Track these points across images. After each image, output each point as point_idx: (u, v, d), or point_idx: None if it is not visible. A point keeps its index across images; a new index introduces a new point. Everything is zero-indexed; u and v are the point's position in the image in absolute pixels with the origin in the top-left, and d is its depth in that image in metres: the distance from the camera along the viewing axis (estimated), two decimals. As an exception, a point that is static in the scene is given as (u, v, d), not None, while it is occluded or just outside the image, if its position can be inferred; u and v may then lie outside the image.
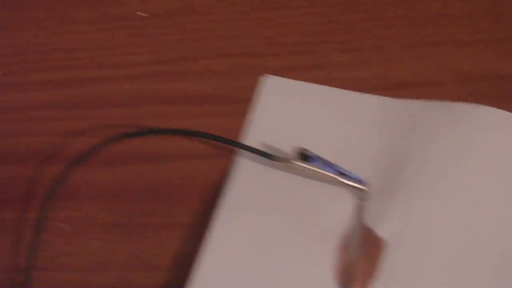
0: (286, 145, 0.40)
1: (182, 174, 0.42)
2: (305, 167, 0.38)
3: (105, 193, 0.41)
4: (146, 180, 0.42)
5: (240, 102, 0.44)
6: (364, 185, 0.38)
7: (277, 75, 0.45)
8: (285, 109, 0.44)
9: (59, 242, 0.39)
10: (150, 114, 0.45)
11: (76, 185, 0.42)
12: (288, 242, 0.37)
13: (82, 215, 0.40)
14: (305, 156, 0.38)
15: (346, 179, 0.38)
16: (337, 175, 0.38)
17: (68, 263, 0.38)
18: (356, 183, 0.38)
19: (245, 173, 0.40)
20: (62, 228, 0.40)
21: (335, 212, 0.38)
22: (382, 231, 0.37)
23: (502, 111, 0.41)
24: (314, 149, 0.39)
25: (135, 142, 0.43)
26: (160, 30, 0.49)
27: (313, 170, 0.38)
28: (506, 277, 0.35)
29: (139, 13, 0.50)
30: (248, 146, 0.39)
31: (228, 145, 0.41)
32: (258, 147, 0.40)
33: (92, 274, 0.38)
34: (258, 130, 0.42)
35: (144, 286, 0.37)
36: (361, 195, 0.38)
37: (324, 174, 0.38)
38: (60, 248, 0.39)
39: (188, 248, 0.38)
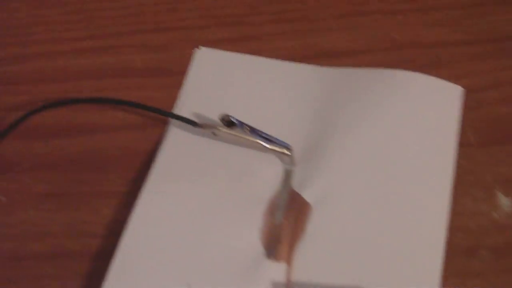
0: (218, 114, 0.40)
1: (116, 144, 0.42)
2: (229, 133, 0.38)
3: (41, 164, 0.42)
4: (80, 151, 0.42)
5: (175, 75, 0.45)
6: (289, 151, 0.39)
7: (210, 47, 0.46)
8: (217, 79, 0.44)
9: (-4, 213, 0.40)
10: (86, 88, 0.45)
11: (12, 158, 0.42)
12: (216, 207, 0.38)
13: (18, 187, 0.41)
14: (230, 122, 0.39)
15: (272, 145, 0.39)
16: (262, 141, 0.39)
17: (6, 233, 0.39)
18: (281, 148, 0.39)
19: (175, 142, 0.41)
20: (-1, 199, 0.41)
21: (263, 177, 0.39)
22: (308, 195, 0.38)
23: (425, 75, 0.42)
24: (246, 117, 0.40)
25: (69, 114, 0.44)
26: (95, 5, 0.50)
27: (238, 136, 0.39)
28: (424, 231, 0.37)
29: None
30: (173, 114, 0.40)
31: (161, 116, 0.42)
32: (188, 117, 0.41)
33: (30, 243, 0.39)
34: (190, 101, 0.43)
35: (79, 252, 0.38)
36: (288, 161, 0.39)
37: (249, 140, 0.39)
38: (-3, 219, 0.40)
39: (121, 215, 0.39)
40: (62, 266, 0.38)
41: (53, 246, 0.39)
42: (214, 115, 0.40)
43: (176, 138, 0.41)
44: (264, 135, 0.39)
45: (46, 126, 0.44)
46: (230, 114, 0.39)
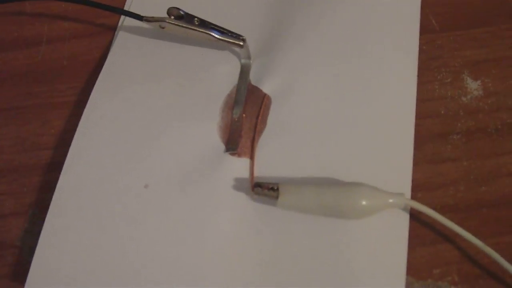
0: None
1: (63, 54, 0.38)
2: (178, 25, 0.34)
3: (-16, 79, 0.38)
4: (27, 64, 0.38)
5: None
6: (243, 42, 0.35)
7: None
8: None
9: None
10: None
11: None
12: (169, 105, 0.34)
13: (-39, 104, 0.37)
14: (178, 16, 0.34)
15: (224, 36, 0.34)
16: (213, 32, 0.34)
17: (-49, 152, 0.36)
18: (234, 39, 0.34)
19: (124, 45, 0.37)
20: None
21: (219, 73, 0.36)
22: (267, 88, 0.35)
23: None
24: (196, 13, 0.35)
25: (11, 26, 0.40)
26: None
27: (187, 27, 0.34)
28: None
29: None
30: (117, 8, 0.35)
31: (108, 23, 0.39)
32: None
33: (-23, 161, 0.35)
34: (138, 3, 0.39)
35: (30, 166, 0.35)
36: (243, 54, 0.35)
37: (199, 32, 0.34)
38: None
39: (71, 125, 0.35)
40: (15, 181, 0.34)
41: (4, 161, 0.35)
42: (163, 13, 0.36)
43: (124, 40, 0.37)
44: (215, 27, 0.35)
45: (-13, 40, 0.40)
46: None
